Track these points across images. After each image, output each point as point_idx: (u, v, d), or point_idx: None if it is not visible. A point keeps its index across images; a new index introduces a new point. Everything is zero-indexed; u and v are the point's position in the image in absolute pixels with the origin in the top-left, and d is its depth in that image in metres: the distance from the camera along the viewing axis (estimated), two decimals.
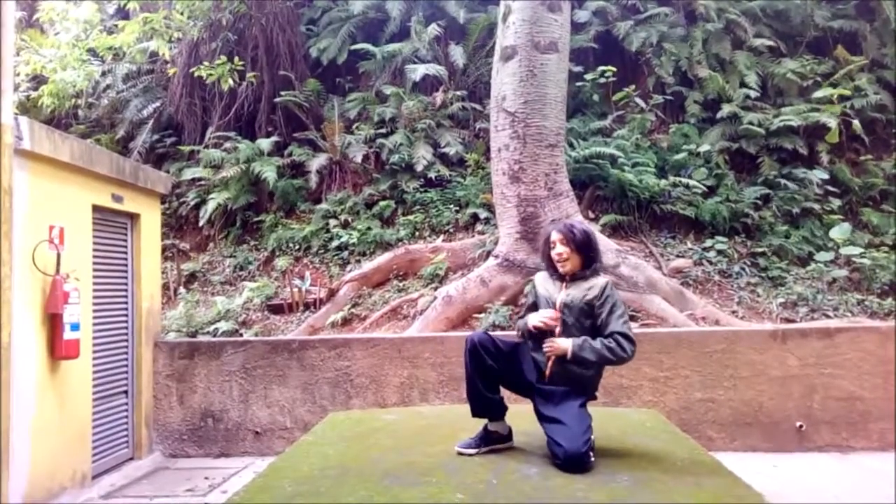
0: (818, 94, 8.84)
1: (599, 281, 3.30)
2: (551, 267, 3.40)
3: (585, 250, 3.32)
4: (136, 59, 10.65)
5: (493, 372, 3.24)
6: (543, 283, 3.45)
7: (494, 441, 3.36)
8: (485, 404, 3.32)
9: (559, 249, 3.31)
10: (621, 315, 3.22)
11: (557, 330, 3.23)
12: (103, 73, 10.97)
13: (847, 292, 7.25)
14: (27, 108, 10.31)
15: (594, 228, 7.71)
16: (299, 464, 3.20)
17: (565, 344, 3.16)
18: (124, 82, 11.01)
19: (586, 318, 3.24)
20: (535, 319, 3.25)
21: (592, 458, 3.04)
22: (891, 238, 8.03)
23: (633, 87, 9.49)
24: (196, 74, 9.60)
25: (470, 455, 3.28)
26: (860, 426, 5.79)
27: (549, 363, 3.21)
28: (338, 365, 6.24)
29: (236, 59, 9.68)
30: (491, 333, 3.37)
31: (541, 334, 3.26)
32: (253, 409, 6.31)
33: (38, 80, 10.50)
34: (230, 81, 9.44)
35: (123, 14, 11.01)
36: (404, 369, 6.16)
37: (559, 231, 3.35)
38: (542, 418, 3.21)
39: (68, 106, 10.36)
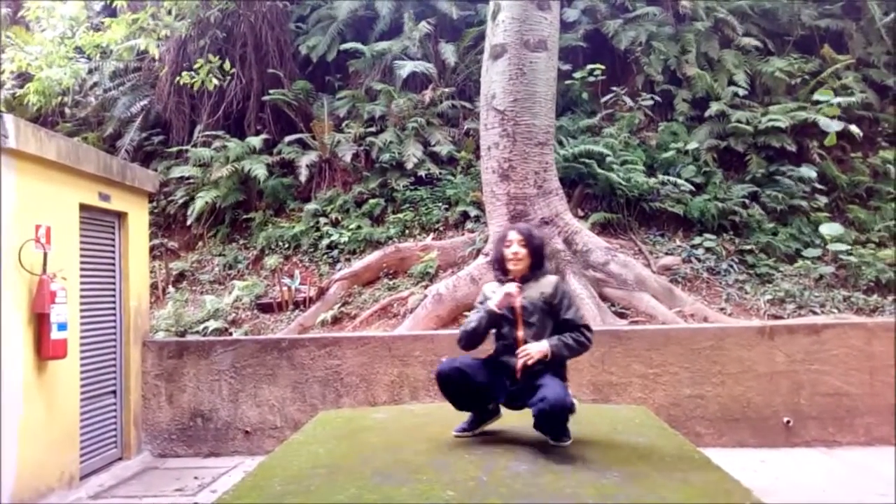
0: (818, 95, 8.86)
1: (551, 279, 3.48)
2: (501, 268, 3.50)
3: (539, 253, 3.47)
4: (124, 56, 10.56)
5: (465, 394, 3.38)
6: (495, 290, 3.50)
7: (485, 419, 3.54)
8: (467, 406, 3.50)
9: (515, 249, 3.43)
10: (577, 308, 3.46)
11: (520, 335, 3.33)
12: (90, 71, 10.88)
13: (834, 289, 7.32)
14: (12, 105, 10.21)
15: (584, 226, 7.77)
16: (289, 463, 3.19)
17: (542, 347, 3.24)
18: (111, 80, 10.93)
19: (547, 317, 3.37)
20: (493, 303, 3.35)
21: (570, 440, 3.27)
22: (877, 235, 8.11)
23: (622, 86, 9.53)
24: (181, 83, 9.48)
25: (467, 437, 3.46)
26: (846, 421, 5.85)
27: (520, 366, 3.26)
28: (328, 363, 6.23)
29: (222, 57, 9.61)
30: (457, 362, 3.38)
31: (505, 340, 3.39)
32: (242, 409, 6.29)
33: (23, 78, 10.40)
34: (214, 81, 9.36)
35: (110, 11, 10.91)
36: (394, 367, 6.15)
37: (519, 231, 3.49)
38: (523, 398, 3.33)
39: (55, 104, 10.27)
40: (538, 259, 3.47)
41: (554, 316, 3.37)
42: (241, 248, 9.07)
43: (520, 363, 3.23)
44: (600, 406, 5.19)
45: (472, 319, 3.43)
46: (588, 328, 3.39)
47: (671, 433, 3.70)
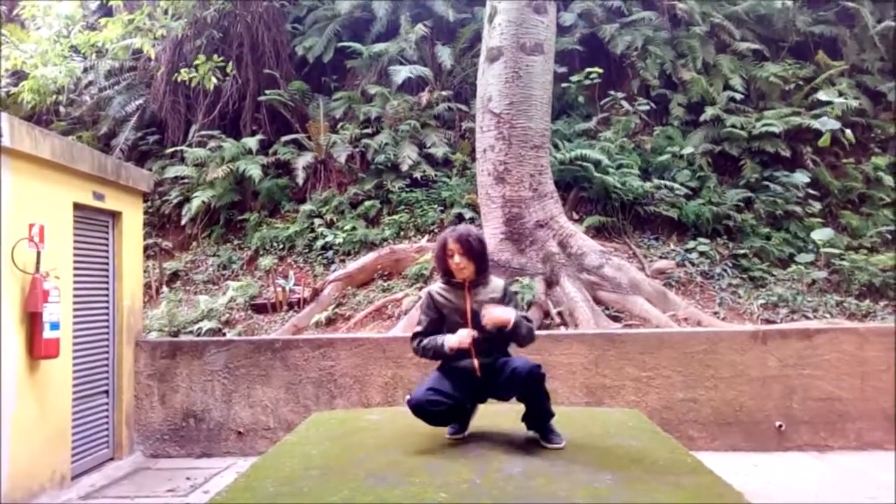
0: (821, 96, 8.91)
1: (499, 283, 3.51)
2: (447, 273, 3.46)
3: (481, 258, 3.41)
4: (119, 55, 10.53)
5: (442, 414, 3.36)
6: (443, 293, 3.48)
7: (471, 412, 3.59)
8: (447, 421, 3.49)
9: (457, 260, 3.37)
10: (522, 308, 3.61)
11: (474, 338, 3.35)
12: (85, 70, 10.85)
13: (826, 294, 7.35)
14: (6, 104, 10.16)
15: (578, 230, 7.79)
16: (282, 464, 3.19)
17: (508, 314, 3.27)
18: (107, 79, 10.89)
19: None
20: (452, 341, 3.32)
21: (563, 442, 3.33)
22: (869, 241, 8.15)
23: (618, 90, 9.56)
24: (179, 80, 9.50)
25: (461, 438, 3.48)
26: (838, 426, 5.88)
27: (477, 364, 3.35)
28: (322, 365, 6.22)
29: (218, 56, 9.61)
30: (424, 386, 3.39)
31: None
32: (236, 409, 6.27)
33: (17, 76, 10.36)
34: (213, 80, 9.36)
35: (106, 10, 10.88)
36: (388, 369, 6.15)
37: (456, 241, 3.37)
38: (490, 388, 3.41)
39: (49, 102, 10.23)
40: (482, 263, 3.42)
41: None
42: (236, 249, 9.05)
43: (488, 322, 3.26)
44: (593, 409, 5.20)
45: (428, 346, 3.43)
46: (528, 319, 3.45)
47: (664, 437, 3.71)
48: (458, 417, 3.48)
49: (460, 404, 3.40)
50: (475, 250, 3.37)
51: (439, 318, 3.46)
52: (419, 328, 3.54)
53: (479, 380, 3.38)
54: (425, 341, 3.46)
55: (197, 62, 9.35)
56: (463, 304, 3.39)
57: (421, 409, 3.32)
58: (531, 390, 3.27)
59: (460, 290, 3.42)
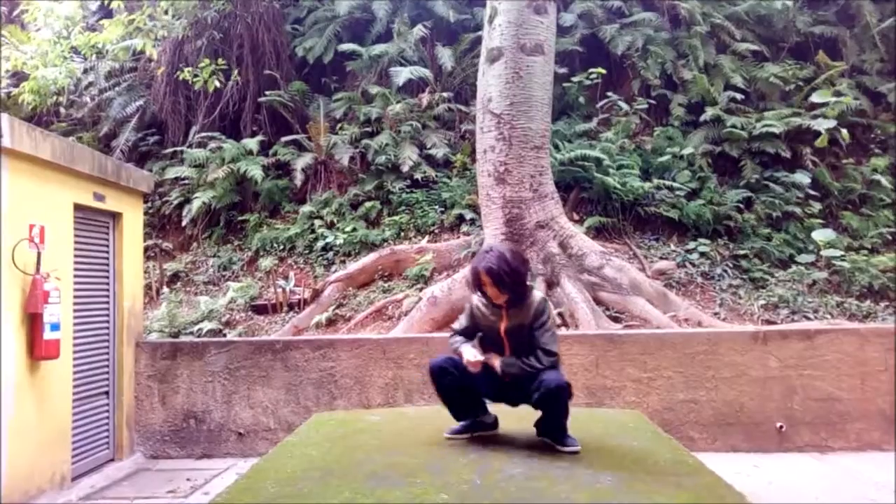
0: (815, 98, 8.91)
1: (533, 302, 3.38)
2: (484, 296, 3.44)
3: (514, 287, 3.33)
4: (119, 56, 10.54)
5: (458, 388, 3.40)
6: (481, 308, 3.47)
7: (481, 428, 3.57)
8: (462, 409, 3.53)
9: (490, 291, 3.35)
10: (547, 329, 3.35)
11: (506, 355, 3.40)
12: (85, 71, 10.85)
13: (827, 294, 7.35)
14: (7, 105, 10.16)
15: (579, 230, 7.77)
16: (283, 465, 3.18)
17: (495, 362, 3.35)
18: (107, 80, 10.90)
19: (528, 340, 3.36)
20: (468, 355, 3.35)
21: (579, 447, 3.28)
22: (870, 241, 8.15)
23: (618, 90, 9.56)
24: (181, 78, 9.52)
25: (459, 439, 3.49)
26: (839, 427, 5.87)
27: (498, 365, 3.37)
28: (322, 366, 6.21)
29: (220, 59, 9.63)
30: (442, 358, 3.46)
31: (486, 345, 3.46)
32: (236, 410, 6.27)
33: (18, 77, 10.36)
34: (216, 84, 9.39)
35: (106, 11, 10.89)
36: (389, 370, 6.15)
37: (487, 273, 3.31)
38: (514, 394, 3.41)
39: (50, 103, 10.23)
40: (517, 290, 3.35)
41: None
42: (236, 250, 9.05)
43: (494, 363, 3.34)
44: (594, 410, 5.20)
45: (456, 347, 3.47)
46: (548, 353, 3.32)
47: (665, 437, 3.71)
48: (469, 404, 3.48)
49: (474, 389, 3.41)
50: (506, 283, 3.29)
51: (475, 327, 3.51)
52: (457, 326, 3.59)
53: (505, 382, 3.38)
54: (457, 341, 3.50)
55: (202, 65, 9.37)
56: (498, 323, 3.39)
57: (432, 373, 3.42)
58: (554, 405, 3.28)
59: (498, 308, 3.41)
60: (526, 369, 3.29)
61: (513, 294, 3.33)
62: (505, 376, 3.34)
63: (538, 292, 3.48)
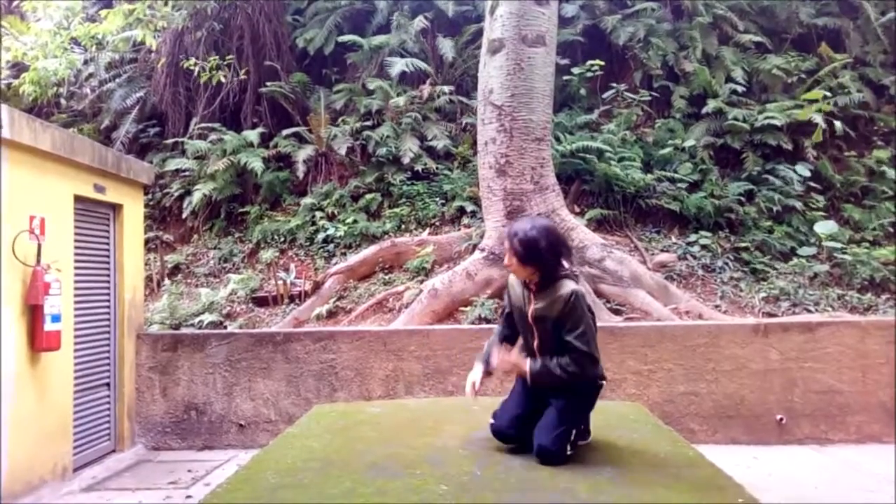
0: (807, 95, 8.90)
1: (564, 292, 2.89)
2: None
3: (533, 262, 2.91)
4: (119, 47, 10.51)
5: (509, 438, 3.12)
6: (515, 287, 3.12)
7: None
8: (520, 436, 3.18)
9: (508, 260, 2.99)
10: (584, 332, 2.87)
11: (535, 345, 3.01)
12: (86, 62, 10.82)
13: (828, 287, 7.34)
14: (7, 96, 10.14)
15: (580, 223, 7.75)
16: (283, 456, 3.19)
17: (522, 364, 3.00)
18: (107, 71, 10.87)
19: (553, 335, 2.96)
20: (494, 359, 3.13)
21: (569, 452, 2.95)
22: (871, 234, 8.13)
23: (619, 82, 9.53)
24: (185, 66, 9.53)
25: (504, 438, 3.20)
26: (839, 419, 5.88)
27: (494, 368, 3.16)
28: (323, 358, 6.22)
29: (228, 55, 9.63)
30: (506, 414, 3.15)
31: (526, 349, 3.12)
32: (237, 402, 6.28)
33: (18, 68, 10.33)
34: (221, 78, 9.39)
35: (106, 1, 10.85)
36: (389, 362, 6.15)
37: (507, 235, 2.99)
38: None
39: (50, 95, 10.20)
40: (537, 267, 2.92)
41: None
42: (237, 242, 9.05)
43: (503, 369, 3.06)
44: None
45: (487, 349, 3.24)
46: (586, 355, 2.87)
47: (665, 430, 3.71)
48: (522, 432, 3.09)
49: (516, 419, 3.10)
50: (519, 253, 2.90)
51: (509, 315, 3.20)
52: (501, 315, 3.32)
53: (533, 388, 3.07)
54: (491, 338, 3.28)
55: (211, 60, 9.37)
56: (526, 307, 3.01)
57: (497, 435, 3.15)
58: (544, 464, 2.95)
59: (527, 290, 3.02)
60: (564, 378, 2.89)
61: (528, 268, 2.93)
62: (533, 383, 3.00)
63: (571, 283, 2.93)
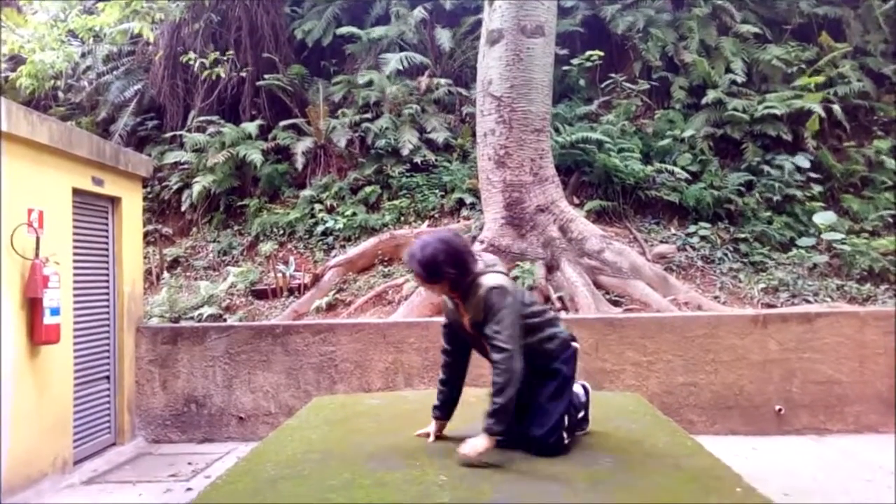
0: (800, 81, 8.89)
1: (481, 292, 2.80)
2: None
3: (438, 279, 2.84)
4: (117, 40, 10.46)
5: None
6: (448, 301, 3.02)
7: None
8: None
9: (417, 281, 2.93)
10: (498, 330, 2.75)
11: (489, 351, 2.84)
12: (83, 55, 10.78)
13: (827, 278, 7.34)
14: (4, 89, 10.11)
15: (579, 214, 7.75)
16: (283, 448, 3.19)
17: (480, 443, 2.73)
18: (105, 64, 10.83)
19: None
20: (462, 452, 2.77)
21: (566, 440, 2.92)
22: (871, 224, 8.13)
23: (619, 72, 9.50)
24: (186, 61, 9.48)
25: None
26: (837, 409, 5.89)
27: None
28: (322, 350, 6.23)
29: (222, 46, 9.59)
30: None
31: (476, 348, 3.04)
32: (237, 395, 6.30)
33: (15, 61, 10.30)
34: (221, 73, 9.37)
35: None
36: (389, 354, 6.16)
37: (407, 261, 2.92)
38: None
39: (48, 87, 10.17)
40: (449, 281, 2.84)
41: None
42: (236, 235, 9.04)
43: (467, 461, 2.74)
44: (593, 393, 5.19)
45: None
46: (503, 352, 2.72)
47: (664, 420, 3.71)
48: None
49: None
50: (422, 276, 2.86)
51: (448, 326, 3.10)
52: (444, 322, 3.13)
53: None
54: (440, 373, 3.15)
55: (210, 58, 9.35)
56: (462, 318, 2.95)
57: None
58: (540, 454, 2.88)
59: (454, 302, 2.96)
60: (504, 403, 2.71)
61: (441, 284, 2.87)
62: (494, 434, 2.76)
63: (487, 280, 2.83)
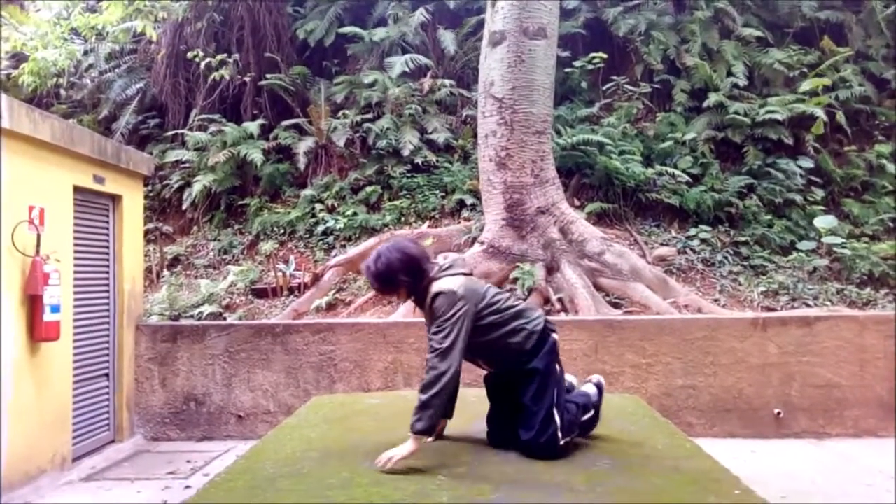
0: (804, 86, 8.89)
1: (427, 300, 2.84)
2: None
3: (395, 288, 2.90)
4: (119, 38, 10.48)
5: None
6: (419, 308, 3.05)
7: None
8: None
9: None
10: (436, 331, 2.77)
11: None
12: (86, 53, 10.80)
13: (827, 282, 7.35)
14: (7, 86, 10.12)
15: (580, 216, 7.75)
16: (282, 446, 3.20)
17: (402, 449, 2.73)
18: (107, 62, 10.85)
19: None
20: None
21: (563, 441, 2.87)
22: (871, 228, 8.13)
23: (621, 75, 9.50)
24: (191, 57, 9.52)
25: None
26: (836, 413, 5.89)
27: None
28: (322, 349, 6.23)
29: (225, 45, 9.61)
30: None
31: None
32: (236, 393, 6.30)
33: (18, 59, 10.31)
34: (226, 75, 9.40)
35: None
36: (388, 354, 6.16)
37: (364, 274, 2.93)
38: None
39: (50, 85, 10.19)
40: (406, 290, 2.90)
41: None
42: (237, 234, 9.04)
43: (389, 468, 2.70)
44: None
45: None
46: (432, 349, 2.77)
47: (663, 423, 3.72)
48: (500, 430, 3.08)
49: (488, 420, 3.16)
50: (378, 287, 2.93)
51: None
52: None
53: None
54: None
55: (216, 60, 9.38)
56: (428, 323, 2.94)
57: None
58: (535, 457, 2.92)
59: (420, 308, 3.01)
60: (428, 400, 2.74)
61: (399, 292, 2.94)
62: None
63: (436, 285, 2.83)
